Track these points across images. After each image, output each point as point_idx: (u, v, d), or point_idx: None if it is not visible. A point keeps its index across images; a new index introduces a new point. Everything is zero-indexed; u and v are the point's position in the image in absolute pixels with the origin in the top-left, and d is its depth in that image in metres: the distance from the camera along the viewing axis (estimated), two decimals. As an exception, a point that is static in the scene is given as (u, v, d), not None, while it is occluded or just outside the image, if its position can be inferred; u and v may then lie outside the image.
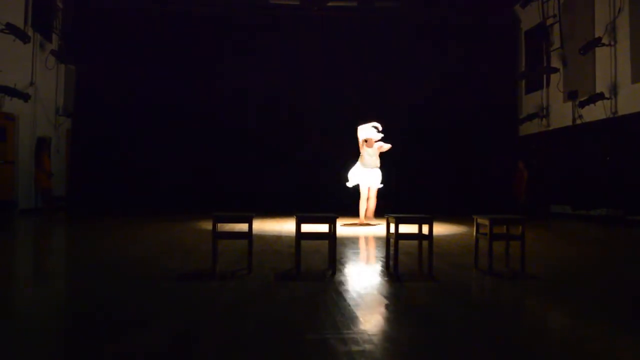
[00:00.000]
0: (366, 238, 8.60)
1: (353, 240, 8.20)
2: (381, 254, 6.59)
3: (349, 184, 10.57)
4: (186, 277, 5.17)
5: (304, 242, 5.58)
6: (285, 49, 15.31)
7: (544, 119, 14.75)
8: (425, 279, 5.21)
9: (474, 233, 5.84)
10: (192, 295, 4.47)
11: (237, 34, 15.27)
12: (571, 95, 13.25)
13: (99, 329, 3.47)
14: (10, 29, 11.17)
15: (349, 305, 4.07)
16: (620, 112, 11.65)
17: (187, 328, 3.48)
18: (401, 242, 5.67)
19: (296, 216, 5.51)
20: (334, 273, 5.27)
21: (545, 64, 14.59)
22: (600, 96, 11.94)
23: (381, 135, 10.60)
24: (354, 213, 10.75)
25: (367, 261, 6.47)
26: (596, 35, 12.25)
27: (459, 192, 14.99)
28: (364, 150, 10.46)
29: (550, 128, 14.52)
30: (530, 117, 15.08)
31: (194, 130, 15.02)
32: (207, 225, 9.31)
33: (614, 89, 11.84)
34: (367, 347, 3.08)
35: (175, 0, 15.14)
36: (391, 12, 15.64)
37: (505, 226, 5.87)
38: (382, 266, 5.81)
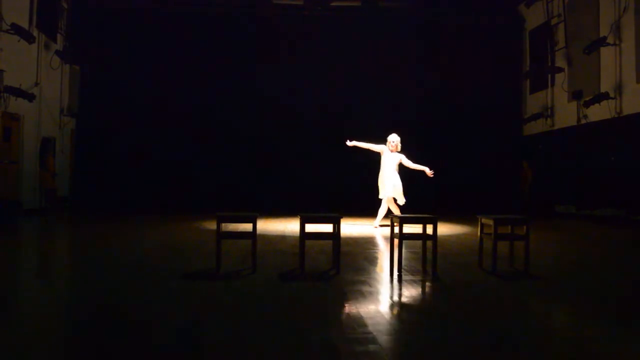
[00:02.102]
0: (370, 238, 8.59)
1: (357, 240, 8.20)
2: (385, 254, 6.58)
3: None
4: (190, 276, 5.18)
5: (308, 242, 5.58)
6: (287, 49, 15.31)
7: (548, 119, 14.71)
8: (429, 279, 5.21)
9: (478, 233, 5.84)
10: (197, 294, 4.48)
11: (239, 33, 15.28)
12: (576, 95, 13.20)
13: (103, 328, 3.48)
14: (16, 29, 11.20)
15: (353, 306, 4.07)
16: (625, 112, 11.60)
17: (192, 327, 3.49)
18: (405, 242, 5.67)
19: (300, 216, 5.51)
20: (338, 273, 5.27)
21: (549, 64, 14.55)
22: (605, 96, 11.90)
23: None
24: (357, 213, 10.75)
25: (371, 261, 6.46)
26: (601, 35, 12.20)
27: (463, 192, 14.95)
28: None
29: (555, 128, 14.48)
30: (535, 117, 15.04)
31: (197, 130, 15.04)
32: (211, 225, 9.33)
33: (619, 89, 11.79)
34: (371, 347, 3.08)
35: (179, 0, 15.16)
36: (395, 12, 15.61)
37: (509, 226, 5.86)
38: (387, 266, 5.80)
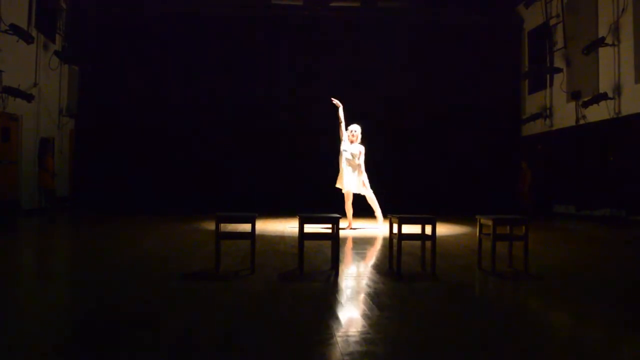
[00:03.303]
0: (369, 238, 8.59)
1: (356, 241, 8.20)
2: (384, 254, 6.58)
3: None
4: (189, 277, 5.17)
5: (307, 243, 5.57)
6: (287, 49, 15.31)
7: (547, 119, 14.73)
8: (428, 280, 5.21)
9: (477, 233, 5.84)
10: (196, 295, 4.48)
11: (239, 33, 15.29)
12: (574, 96, 13.22)
13: (102, 328, 3.48)
14: (14, 29, 11.19)
15: (352, 306, 4.07)
16: (624, 112, 11.62)
17: (191, 328, 3.48)
18: (404, 242, 5.67)
19: (299, 216, 5.51)
20: (337, 273, 5.27)
21: (548, 64, 14.57)
22: (604, 96, 11.91)
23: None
24: (357, 214, 10.74)
25: (371, 262, 6.46)
26: (599, 35, 12.23)
27: (462, 192, 14.98)
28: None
29: (554, 128, 14.50)
30: (534, 117, 15.06)
31: (196, 130, 15.05)
32: (210, 226, 9.34)
33: (618, 89, 11.81)
34: (371, 347, 3.08)
35: (178, 0, 15.17)
36: (394, 12, 15.63)
37: (508, 226, 5.86)
38: (386, 266, 5.80)
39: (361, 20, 15.59)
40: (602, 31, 12.21)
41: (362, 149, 9.84)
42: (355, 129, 9.86)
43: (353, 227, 9.96)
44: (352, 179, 9.75)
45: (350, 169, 9.75)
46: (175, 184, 14.73)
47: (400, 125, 15.34)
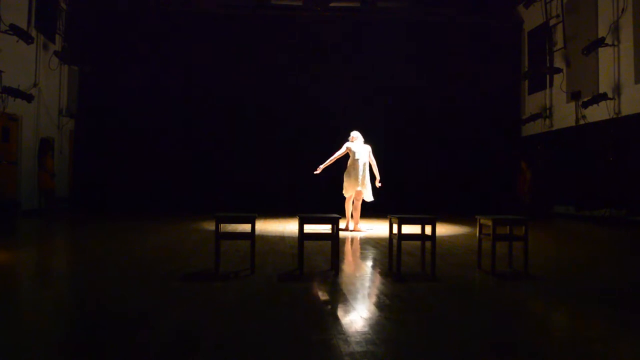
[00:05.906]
0: (369, 239, 8.59)
1: (356, 241, 8.20)
2: (384, 254, 6.58)
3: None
4: (189, 277, 5.17)
5: (306, 243, 5.57)
6: (287, 49, 15.32)
7: (547, 119, 14.73)
8: (428, 280, 5.20)
9: (477, 234, 5.84)
10: (195, 295, 4.48)
11: (239, 33, 15.30)
12: (574, 96, 13.22)
13: (102, 329, 3.48)
14: (14, 30, 11.19)
15: (352, 306, 4.07)
16: (624, 113, 11.61)
17: (190, 328, 3.48)
18: (404, 242, 5.67)
19: (299, 217, 5.51)
20: (336, 274, 5.27)
21: (548, 64, 14.57)
22: (604, 96, 11.91)
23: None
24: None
25: (370, 262, 6.46)
26: (599, 36, 12.22)
27: (462, 192, 14.98)
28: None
29: (554, 128, 14.50)
30: (534, 118, 15.06)
31: (196, 131, 15.05)
32: (210, 226, 9.33)
33: (617, 89, 11.80)
34: (370, 347, 3.08)
35: (178, 1, 15.16)
36: (394, 13, 15.64)
37: (508, 227, 5.86)
38: (385, 267, 5.80)
39: (361, 20, 15.59)
40: (602, 31, 12.20)
41: (369, 148, 9.68)
42: (356, 135, 9.67)
43: (351, 228, 9.93)
44: (369, 187, 9.53)
45: (367, 173, 9.49)
46: (175, 184, 14.73)
47: (400, 125, 15.35)
